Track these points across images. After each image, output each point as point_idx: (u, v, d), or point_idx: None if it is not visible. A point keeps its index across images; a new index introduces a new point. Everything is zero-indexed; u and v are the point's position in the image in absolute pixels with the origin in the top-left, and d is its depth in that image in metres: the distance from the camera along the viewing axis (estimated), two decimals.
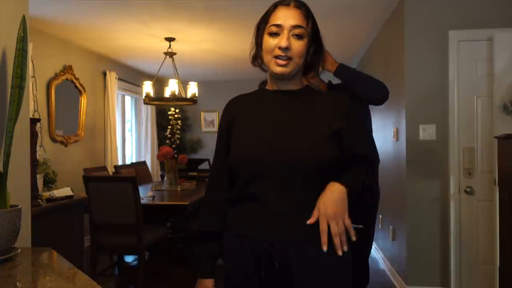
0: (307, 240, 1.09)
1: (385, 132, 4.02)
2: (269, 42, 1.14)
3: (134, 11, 3.75)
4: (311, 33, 1.16)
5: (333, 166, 1.11)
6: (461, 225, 3.11)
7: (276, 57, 1.13)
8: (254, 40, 1.22)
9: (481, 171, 3.08)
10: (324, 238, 1.05)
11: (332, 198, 1.07)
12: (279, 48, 1.12)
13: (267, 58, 1.16)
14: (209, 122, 7.70)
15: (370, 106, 2.29)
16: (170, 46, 4.67)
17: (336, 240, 1.05)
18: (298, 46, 1.13)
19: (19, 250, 1.15)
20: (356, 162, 1.17)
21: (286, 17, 1.13)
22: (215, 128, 7.69)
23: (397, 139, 3.57)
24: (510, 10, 3.09)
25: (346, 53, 5.34)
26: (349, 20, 3.98)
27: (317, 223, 1.07)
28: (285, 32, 1.12)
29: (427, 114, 3.21)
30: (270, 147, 1.12)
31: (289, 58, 1.12)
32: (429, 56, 3.22)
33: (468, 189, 3.09)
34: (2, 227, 1.07)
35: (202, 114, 7.67)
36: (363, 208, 1.22)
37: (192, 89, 4.82)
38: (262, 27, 1.18)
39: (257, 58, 1.23)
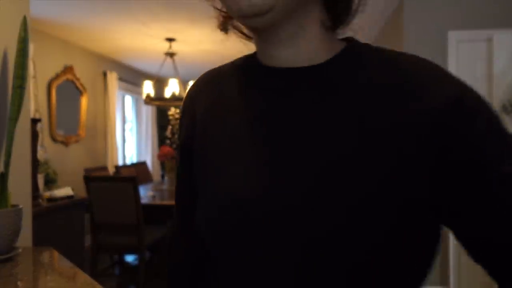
0: None
1: None
2: None
3: (134, 12, 3.76)
4: None
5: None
6: None
7: None
8: None
9: None
10: None
11: None
12: None
13: None
14: None
15: None
16: (170, 46, 4.68)
17: None
18: None
19: (20, 250, 1.15)
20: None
21: None
22: None
23: None
24: (509, 11, 3.10)
25: None
26: None
27: None
28: None
29: None
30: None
31: None
32: (428, 57, 3.14)
33: None
34: (3, 226, 1.08)
35: None
36: None
37: None
38: None
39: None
